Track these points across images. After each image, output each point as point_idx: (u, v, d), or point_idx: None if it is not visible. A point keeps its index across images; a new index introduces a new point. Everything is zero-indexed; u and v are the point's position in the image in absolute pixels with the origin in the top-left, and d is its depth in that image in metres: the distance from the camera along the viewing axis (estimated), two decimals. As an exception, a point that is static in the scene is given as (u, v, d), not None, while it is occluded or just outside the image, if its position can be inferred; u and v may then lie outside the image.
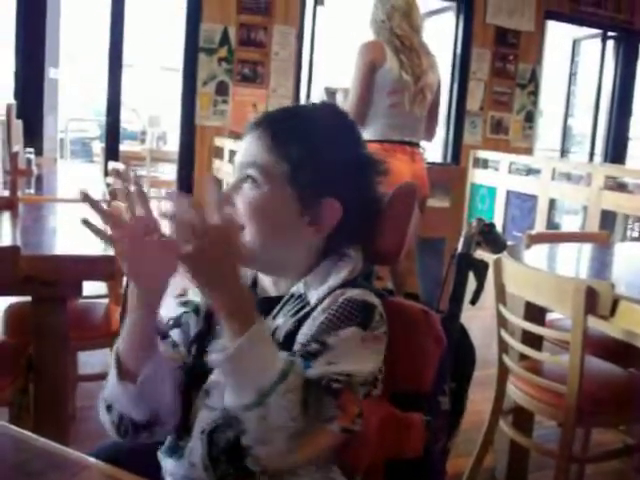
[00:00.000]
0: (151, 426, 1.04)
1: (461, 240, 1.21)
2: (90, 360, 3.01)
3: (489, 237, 1.23)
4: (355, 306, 1.00)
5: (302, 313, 1.03)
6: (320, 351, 0.95)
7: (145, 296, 0.95)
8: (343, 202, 1.07)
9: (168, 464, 1.08)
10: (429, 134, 3.49)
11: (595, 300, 1.74)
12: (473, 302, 1.28)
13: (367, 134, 3.25)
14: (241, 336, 0.87)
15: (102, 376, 3.12)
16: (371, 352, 0.99)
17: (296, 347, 0.99)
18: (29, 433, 0.78)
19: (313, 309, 1.02)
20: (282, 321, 1.04)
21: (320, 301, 1.02)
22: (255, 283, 1.14)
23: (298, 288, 1.06)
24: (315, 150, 1.06)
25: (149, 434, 1.05)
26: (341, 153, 1.09)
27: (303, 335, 0.99)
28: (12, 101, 3.84)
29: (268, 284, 1.11)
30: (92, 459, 0.81)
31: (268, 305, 1.06)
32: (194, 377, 1.07)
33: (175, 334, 1.12)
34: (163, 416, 1.04)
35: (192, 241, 0.85)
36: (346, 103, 3.24)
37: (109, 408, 1.03)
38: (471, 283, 1.29)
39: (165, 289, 0.94)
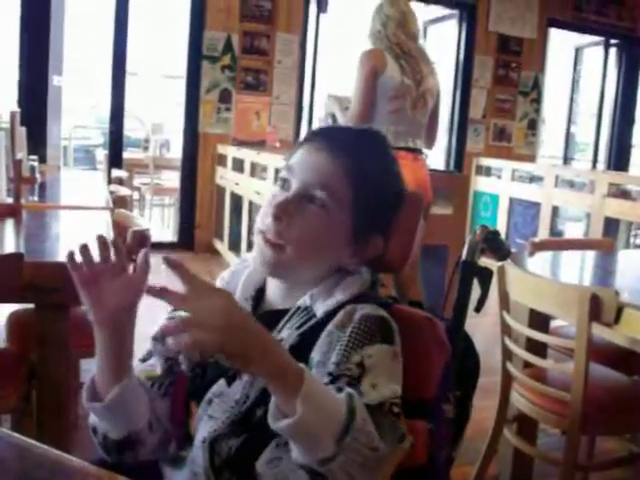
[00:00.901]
0: (133, 445, 1.04)
1: (465, 247, 1.21)
2: (92, 368, 3.00)
3: (493, 244, 1.23)
4: (374, 322, 1.01)
5: (307, 326, 1.03)
6: (361, 375, 0.95)
7: (110, 335, 1.01)
8: (384, 238, 1.11)
9: (170, 473, 1.08)
10: (430, 141, 3.50)
11: (599, 307, 1.74)
12: (477, 310, 1.28)
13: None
14: (295, 398, 0.80)
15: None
16: (399, 366, 1.00)
17: (332, 368, 0.95)
18: (31, 440, 0.78)
19: (320, 323, 1.02)
20: (287, 334, 1.04)
21: (328, 315, 1.03)
22: (260, 294, 1.13)
23: (304, 301, 1.06)
24: (382, 187, 1.09)
25: (133, 453, 1.05)
26: (396, 192, 1.12)
27: (321, 354, 0.99)
28: (16, 109, 3.85)
29: (275, 297, 1.11)
30: (94, 467, 0.81)
31: (274, 318, 1.06)
32: (195, 387, 1.07)
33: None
34: (144, 437, 1.04)
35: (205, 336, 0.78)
36: (349, 111, 3.25)
37: (94, 430, 1.05)
38: (475, 290, 1.28)
39: (128, 327, 1.00)
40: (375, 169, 1.08)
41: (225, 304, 0.82)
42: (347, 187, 1.05)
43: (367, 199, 1.06)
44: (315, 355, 0.99)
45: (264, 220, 1.06)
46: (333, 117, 3.45)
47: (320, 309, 1.04)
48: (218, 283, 1.18)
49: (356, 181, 1.05)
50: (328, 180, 1.04)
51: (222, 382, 1.04)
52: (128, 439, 1.03)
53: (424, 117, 3.34)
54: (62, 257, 1.87)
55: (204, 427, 1.03)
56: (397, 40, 3.25)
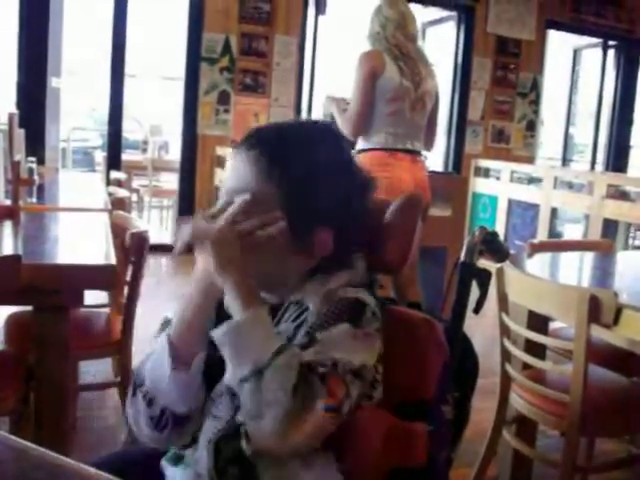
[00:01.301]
0: (187, 422, 1.04)
1: (464, 249, 1.21)
2: (90, 370, 3.00)
3: (492, 246, 1.23)
4: (346, 303, 1.00)
5: (302, 318, 1.03)
6: (308, 344, 0.96)
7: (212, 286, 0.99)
8: (335, 230, 1.06)
9: (173, 473, 1.08)
10: (428, 144, 3.49)
11: (598, 309, 1.73)
12: (476, 311, 1.28)
13: (368, 142, 3.26)
14: (246, 312, 0.93)
15: (103, 386, 3.12)
16: (362, 347, 0.98)
17: None
18: (29, 443, 0.78)
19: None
20: (284, 327, 1.04)
21: (317, 304, 1.03)
22: None
23: (297, 295, 1.06)
24: (311, 178, 1.04)
25: (181, 430, 1.04)
26: (336, 180, 1.07)
27: (299, 336, 1.00)
28: (14, 110, 3.84)
29: (264, 294, 1.10)
30: (93, 469, 0.81)
31: (271, 312, 1.06)
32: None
33: None
34: (195, 417, 1.04)
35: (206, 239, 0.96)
36: (347, 112, 3.25)
37: (150, 402, 1.03)
38: (473, 292, 1.28)
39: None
40: (300, 162, 1.04)
41: (232, 235, 0.97)
42: (271, 185, 1.02)
43: (295, 193, 1.03)
44: (296, 340, 1.00)
45: None
46: (332, 118, 3.45)
47: (311, 301, 1.03)
48: None
49: (279, 176, 1.02)
50: (247, 183, 1.02)
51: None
52: (186, 416, 1.03)
53: (423, 119, 3.34)
54: (60, 259, 1.88)
55: (209, 427, 1.03)
56: (396, 41, 3.25)
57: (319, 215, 1.05)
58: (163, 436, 1.04)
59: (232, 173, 1.06)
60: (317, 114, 6.08)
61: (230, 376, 0.93)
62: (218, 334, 0.93)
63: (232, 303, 0.96)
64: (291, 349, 0.92)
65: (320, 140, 1.09)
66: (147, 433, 1.05)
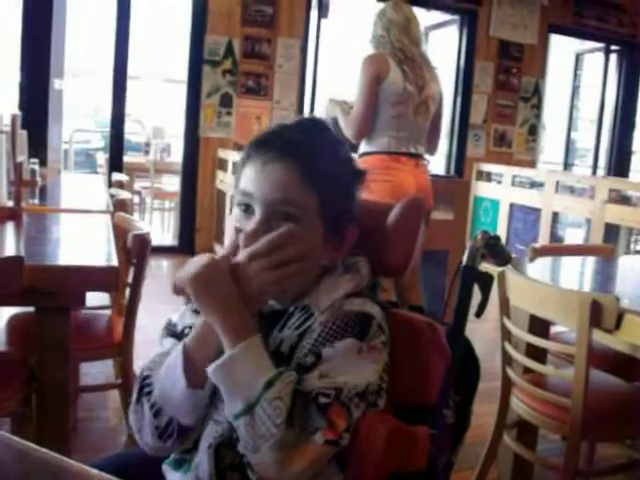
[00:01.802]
0: (191, 432, 1.04)
1: (466, 253, 1.21)
2: (91, 371, 3.00)
3: (494, 250, 1.22)
4: (352, 317, 1.00)
5: (306, 325, 1.03)
6: (314, 363, 0.96)
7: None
8: (356, 224, 1.10)
9: (173, 477, 1.08)
10: (432, 147, 3.49)
11: (600, 313, 1.73)
12: (478, 315, 1.27)
13: (372, 146, 3.26)
14: (233, 349, 0.93)
15: (104, 387, 3.11)
16: (368, 363, 0.99)
17: (294, 361, 0.99)
18: (30, 444, 0.78)
19: (316, 321, 1.02)
20: (288, 333, 1.04)
21: (322, 313, 1.02)
22: None
23: (303, 301, 1.05)
24: (338, 180, 1.06)
25: (187, 440, 1.04)
26: (352, 179, 1.10)
27: (303, 348, 1.00)
28: (17, 112, 3.85)
29: (270, 301, 1.09)
30: (95, 470, 0.81)
31: (274, 318, 1.06)
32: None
33: None
34: (196, 428, 1.04)
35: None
36: (350, 115, 3.25)
37: (158, 412, 1.02)
38: (475, 296, 1.28)
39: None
40: (329, 161, 1.05)
41: (223, 270, 0.97)
42: (309, 192, 1.02)
43: (332, 196, 1.04)
44: (298, 351, 1.00)
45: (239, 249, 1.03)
46: (335, 121, 3.45)
47: (317, 308, 1.03)
48: None
49: (316, 182, 1.02)
50: (289, 193, 1.01)
51: None
52: (191, 427, 1.03)
53: (426, 123, 3.34)
54: (62, 260, 1.88)
55: (209, 431, 1.02)
56: (400, 45, 3.25)
57: (350, 213, 1.09)
58: (166, 445, 1.04)
59: (268, 184, 1.01)
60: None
61: (227, 411, 0.94)
62: (210, 371, 0.94)
63: (221, 338, 0.96)
64: (282, 379, 0.92)
65: (335, 140, 1.11)
66: (150, 442, 1.04)
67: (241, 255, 0.99)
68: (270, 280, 0.97)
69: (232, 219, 1.06)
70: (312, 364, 0.96)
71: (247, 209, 1.03)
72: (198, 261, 0.97)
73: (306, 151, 1.03)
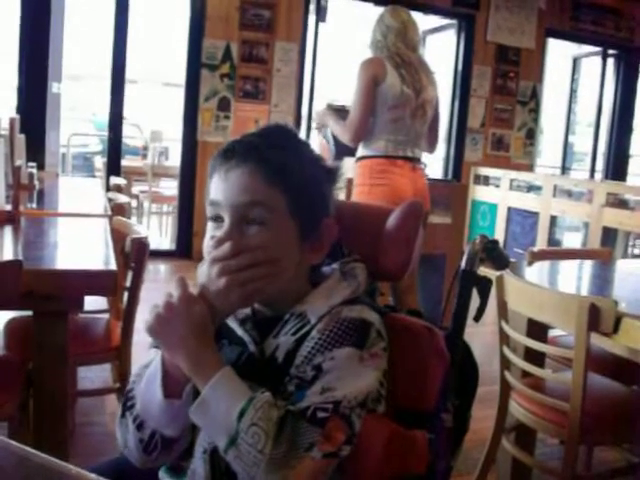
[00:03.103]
0: (176, 444, 1.03)
1: (465, 257, 1.21)
2: (89, 375, 3.00)
3: (493, 254, 1.23)
4: (350, 325, 1.00)
5: (303, 332, 1.02)
6: (315, 376, 0.95)
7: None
8: (333, 216, 1.08)
9: (170, 484, 1.07)
10: (431, 146, 3.49)
11: (598, 317, 1.74)
12: (476, 319, 1.28)
13: (369, 149, 3.27)
14: (204, 389, 0.93)
15: (101, 392, 3.10)
16: (370, 370, 0.98)
17: (292, 370, 0.98)
18: (28, 448, 0.77)
19: (313, 327, 1.01)
20: (283, 340, 1.03)
21: (319, 319, 1.02)
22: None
23: (299, 307, 1.05)
24: (306, 178, 1.04)
25: (170, 453, 1.04)
26: (319, 172, 1.08)
27: (300, 356, 0.99)
28: (15, 115, 3.85)
29: (264, 309, 1.09)
30: (93, 475, 0.80)
31: (269, 324, 1.05)
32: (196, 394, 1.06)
33: None
34: (184, 437, 1.04)
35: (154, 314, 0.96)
36: (348, 119, 3.25)
37: (140, 425, 1.01)
38: (474, 300, 1.28)
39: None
40: (293, 161, 1.03)
41: (184, 310, 0.95)
42: (276, 192, 1.01)
43: (300, 195, 1.02)
44: (296, 359, 0.99)
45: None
46: (325, 130, 3.46)
47: (314, 314, 1.03)
48: None
49: (281, 182, 1.01)
50: (255, 195, 1.00)
51: None
52: (176, 438, 1.02)
53: (423, 127, 3.34)
54: (61, 265, 1.88)
55: (203, 437, 1.02)
56: (397, 50, 3.26)
57: (319, 208, 1.07)
58: (152, 458, 1.03)
59: (233, 189, 1.01)
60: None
61: (219, 447, 0.94)
62: (190, 415, 0.94)
63: (192, 378, 0.96)
64: (253, 405, 0.91)
65: (298, 140, 1.10)
66: (136, 455, 1.04)
67: (207, 268, 0.98)
68: (239, 297, 0.97)
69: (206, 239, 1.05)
70: (314, 377, 0.95)
71: (217, 219, 1.03)
72: (154, 307, 0.97)
73: (268, 153, 1.01)
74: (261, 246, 0.99)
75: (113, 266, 1.76)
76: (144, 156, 8.21)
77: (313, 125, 3.66)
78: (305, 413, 0.92)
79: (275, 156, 1.02)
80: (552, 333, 2.37)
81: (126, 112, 6.26)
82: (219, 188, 1.02)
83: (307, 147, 1.10)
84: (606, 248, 3.73)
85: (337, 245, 1.11)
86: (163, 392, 0.98)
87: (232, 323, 1.07)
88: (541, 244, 5.96)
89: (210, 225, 1.04)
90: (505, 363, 2.10)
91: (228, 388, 0.93)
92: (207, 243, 1.03)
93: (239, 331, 1.06)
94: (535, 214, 6.25)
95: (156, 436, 1.01)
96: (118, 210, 2.80)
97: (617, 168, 8.40)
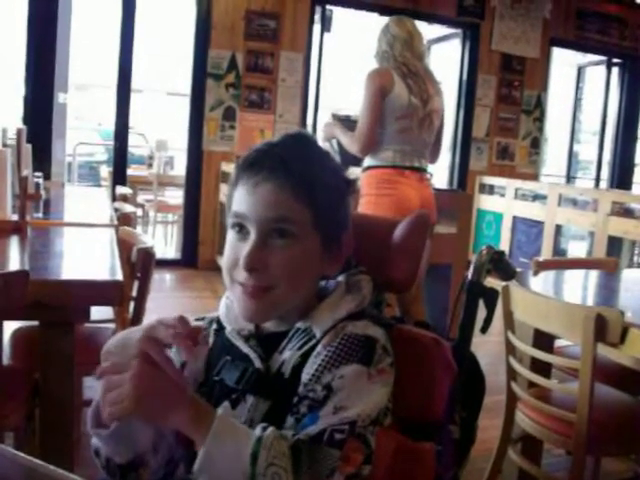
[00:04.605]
0: (137, 468, 1.03)
1: (471, 268, 1.21)
2: (95, 385, 2.99)
3: (499, 265, 1.23)
4: (356, 342, 0.99)
5: (308, 346, 1.02)
6: (327, 396, 0.94)
7: None
8: (351, 232, 1.09)
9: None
10: (433, 157, 3.50)
11: (605, 328, 1.73)
12: (483, 330, 1.28)
13: (376, 160, 3.27)
14: (204, 444, 0.87)
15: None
16: (378, 387, 0.98)
17: (301, 390, 0.97)
18: (35, 459, 0.77)
19: (318, 342, 1.01)
20: (289, 355, 1.02)
21: (324, 334, 1.02)
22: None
23: (304, 322, 1.04)
24: (330, 191, 1.05)
25: (136, 476, 1.03)
26: (341, 184, 1.08)
27: (306, 374, 0.98)
28: (21, 125, 3.87)
29: (270, 325, 1.09)
30: (101, 487, 0.81)
31: (274, 340, 1.05)
32: None
33: None
34: (148, 459, 1.03)
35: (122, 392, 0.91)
36: (356, 130, 3.26)
37: (97, 452, 1.03)
38: (480, 311, 1.28)
39: None
40: (319, 174, 1.04)
41: (154, 378, 0.90)
42: (303, 207, 1.01)
43: (325, 208, 1.03)
44: (303, 376, 0.99)
45: (237, 272, 1.02)
46: (331, 142, 3.47)
47: (319, 329, 1.02)
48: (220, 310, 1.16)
49: (309, 197, 1.01)
50: (283, 210, 1.00)
51: (226, 404, 1.03)
52: (132, 462, 1.02)
53: (430, 137, 3.34)
54: (67, 275, 1.88)
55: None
56: (404, 60, 3.26)
57: (345, 222, 1.08)
58: None
59: (262, 203, 1.00)
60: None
61: None
62: (195, 474, 0.88)
63: (193, 439, 0.89)
64: (263, 445, 0.87)
65: (322, 152, 1.10)
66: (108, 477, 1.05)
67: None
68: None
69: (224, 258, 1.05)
70: (325, 397, 0.94)
71: (241, 230, 1.03)
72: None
73: (296, 167, 1.01)
74: (287, 260, 0.99)
75: (119, 276, 1.76)
76: (149, 165, 8.23)
77: (319, 136, 3.65)
78: (322, 437, 0.91)
79: (302, 170, 1.02)
80: (558, 343, 2.37)
81: (132, 121, 6.29)
82: (246, 201, 1.02)
83: (328, 157, 1.11)
84: (611, 257, 3.72)
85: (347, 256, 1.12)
86: (90, 423, 0.98)
87: (237, 340, 1.07)
88: (546, 253, 5.95)
89: (232, 234, 1.04)
90: (511, 373, 2.10)
91: (229, 435, 0.89)
92: (228, 253, 1.04)
93: (245, 348, 1.05)
94: (540, 223, 6.24)
95: (110, 463, 1.02)
96: (124, 220, 2.81)
97: (622, 177, 8.39)
